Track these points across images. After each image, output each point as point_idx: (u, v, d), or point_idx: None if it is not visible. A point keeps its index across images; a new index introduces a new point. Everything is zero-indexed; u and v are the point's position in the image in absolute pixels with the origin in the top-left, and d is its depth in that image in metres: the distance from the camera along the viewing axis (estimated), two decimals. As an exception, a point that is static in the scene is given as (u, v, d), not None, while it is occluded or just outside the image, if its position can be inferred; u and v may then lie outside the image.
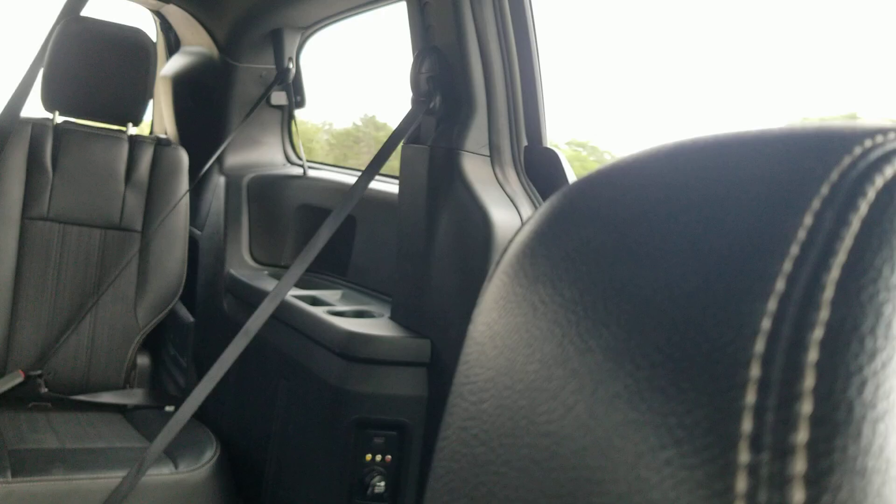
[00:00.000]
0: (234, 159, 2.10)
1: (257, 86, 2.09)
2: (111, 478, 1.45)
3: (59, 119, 1.91)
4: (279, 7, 1.92)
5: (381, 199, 1.65)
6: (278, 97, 2.08)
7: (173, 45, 2.34)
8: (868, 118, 0.25)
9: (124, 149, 1.94)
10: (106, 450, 1.60)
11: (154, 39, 2.02)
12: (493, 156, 1.36)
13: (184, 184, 1.97)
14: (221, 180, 2.04)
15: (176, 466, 1.54)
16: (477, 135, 1.35)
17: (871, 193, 0.20)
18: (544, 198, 1.35)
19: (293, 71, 2.04)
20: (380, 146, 1.42)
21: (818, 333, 0.18)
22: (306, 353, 1.46)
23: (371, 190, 1.53)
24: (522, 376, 0.22)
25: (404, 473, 1.33)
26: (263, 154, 2.14)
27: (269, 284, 1.74)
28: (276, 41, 2.02)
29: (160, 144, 1.98)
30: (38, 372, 1.81)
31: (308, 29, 2.04)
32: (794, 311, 0.18)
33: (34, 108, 1.90)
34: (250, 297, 1.75)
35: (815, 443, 0.17)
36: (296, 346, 1.50)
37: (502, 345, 0.24)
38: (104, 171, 1.91)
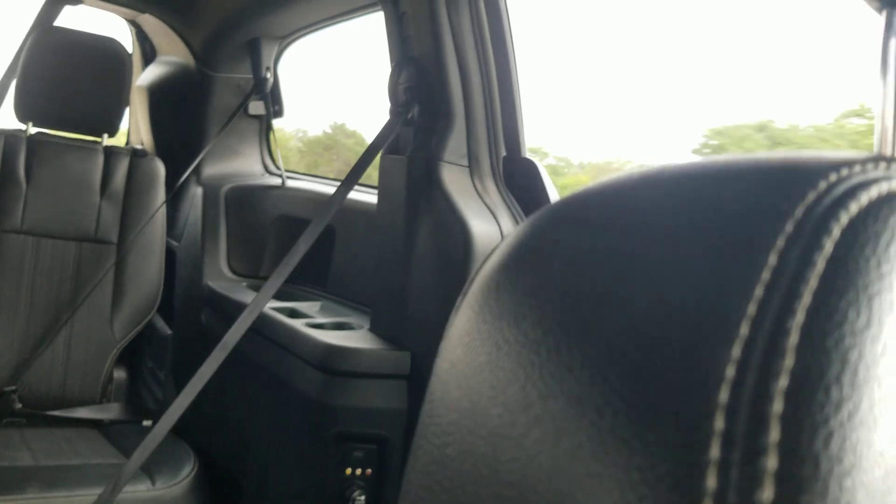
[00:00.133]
0: (211, 170, 2.08)
1: (235, 95, 2.08)
2: (87, 495, 1.43)
3: (33, 130, 1.89)
4: (256, 16, 1.91)
5: (361, 209, 1.65)
6: (256, 107, 2.07)
7: (149, 55, 2.32)
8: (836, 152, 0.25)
9: (99, 160, 1.92)
10: (81, 466, 1.57)
11: (130, 49, 2.00)
12: (472, 166, 1.35)
13: (160, 195, 1.95)
14: (199, 191, 2.02)
15: (153, 483, 1.52)
16: (455, 145, 1.34)
17: (836, 231, 0.19)
18: (523, 208, 1.35)
19: (271, 80, 2.03)
20: (349, 153, 1.42)
21: (783, 383, 0.17)
22: (285, 366, 1.44)
23: (350, 200, 1.52)
24: (486, 420, 0.22)
25: (384, 487, 1.32)
26: (241, 164, 2.12)
27: (247, 296, 1.72)
28: (253, 51, 2.01)
29: (136, 155, 1.96)
30: (13, 387, 1.78)
31: (286, 38, 2.03)
32: (758, 358, 0.18)
33: (7, 119, 1.87)
34: (229, 310, 1.73)
35: (781, 501, 0.16)
36: (275, 359, 1.49)
37: (466, 385, 0.23)
38: (79, 182, 1.89)
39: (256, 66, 2.02)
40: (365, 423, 1.30)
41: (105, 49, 1.88)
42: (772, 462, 0.17)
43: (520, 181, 1.36)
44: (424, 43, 1.35)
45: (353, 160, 1.43)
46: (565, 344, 0.21)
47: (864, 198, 0.20)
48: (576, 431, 0.19)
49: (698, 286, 0.19)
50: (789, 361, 0.17)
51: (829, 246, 0.19)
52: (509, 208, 1.34)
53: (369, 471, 1.31)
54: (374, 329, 1.43)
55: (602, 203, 0.24)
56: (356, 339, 1.38)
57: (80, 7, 2.06)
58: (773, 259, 0.19)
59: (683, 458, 0.17)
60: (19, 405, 1.78)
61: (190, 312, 1.95)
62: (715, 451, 0.17)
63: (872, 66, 0.33)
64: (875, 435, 0.17)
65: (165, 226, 1.96)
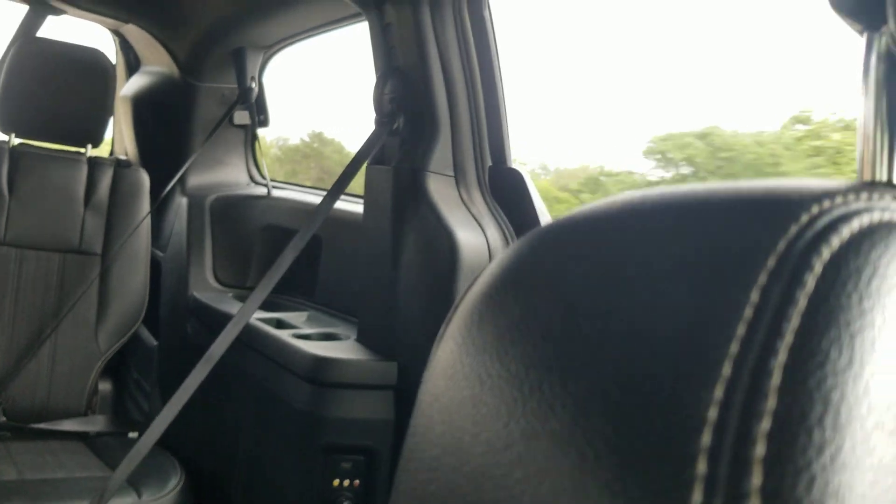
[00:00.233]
0: (196, 180, 2.07)
1: (219, 105, 2.07)
2: (72, 510, 1.41)
3: (16, 141, 1.87)
4: (241, 26, 1.90)
5: (348, 219, 1.64)
6: (241, 116, 2.06)
7: (133, 65, 2.30)
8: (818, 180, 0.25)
9: (83, 171, 1.90)
10: (67, 480, 1.56)
11: (114, 59, 1.98)
12: (458, 176, 1.35)
13: (145, 205, 1.94)
14: (184, 201, 2.01)
15: (139, 496, 1.51)
16: (441, 155, 1.34)
17: (818, 266, 0.19)
18: (510, 217, 1.35)
19: (256, 90, 2.02)
20: (328, 161, 1.42)
21: (765, 425, 0.17)
22: (272, 377, 1.43)
23: (337, 210, 1.51)
24: (469, 458, 0.21)
25: (372, 498, 1.31)
26: (227, 174, 2.11)
27: (233, 307, 1.71)
28: (237, 60, 2.00)
29: (120, 166, 1.95)
30: (-4, 401, 1.76)
31: (271, 48, 2.02)
32: (740, 399, 0.17)
33: (-11, 130, 1.86)
34: (215, 320, 1.72)
35: None
36: (262, 370, 1.48)
37: (449, 420, 0.23)
38: (62, 193, 1.88)
39: (241, 76, 2.01)
40: (352, 435, 1.29)
41: (89, 59, 1.87)
42: None
43: (506, 191, 1.36)
44: (409, 53, 1.35)
45: (331, 168, 1.42)
46: (548, 382, 0.21)
47: (846, 231, 0.20)
48: (558, 474, 0.19)
49: (681, 324, 0.19)
50: (772, 403, 0.17)
51: (810, 282, 0.19)
52: (495, 218, 1.34)
53: (357, 482, 1.31)
54: (362, 339, 1.43)
55: (584, 234, 0.24)
56: (343, 349, 1.38)
57: (64, 17, 2.05)
58: (755, 296, 0.19)
59: None
60: (3, 418, 1.76)
61: (176, 323, 1.93)
62: (697, 497, 0.17)
63: (855, 89, 0.34)
64: (857, 477, 0.17)
65: (150, 236, 1.95)
